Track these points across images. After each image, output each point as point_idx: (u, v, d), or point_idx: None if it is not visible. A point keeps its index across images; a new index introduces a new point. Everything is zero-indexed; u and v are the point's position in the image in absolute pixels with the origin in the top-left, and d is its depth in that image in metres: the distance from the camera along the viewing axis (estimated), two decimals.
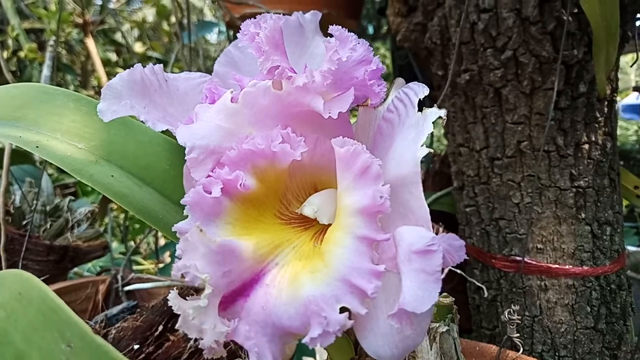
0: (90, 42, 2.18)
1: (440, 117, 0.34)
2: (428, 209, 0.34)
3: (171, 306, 0.30)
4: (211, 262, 0.30)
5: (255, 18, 0.39)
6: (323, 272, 0.32)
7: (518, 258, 0.81)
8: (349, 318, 0.30)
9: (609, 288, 0.80)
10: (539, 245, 0.80)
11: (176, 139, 0.41)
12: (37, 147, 0.41)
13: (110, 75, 2.30)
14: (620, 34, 0.68)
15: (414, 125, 0.36)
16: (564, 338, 0.80)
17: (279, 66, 0.34)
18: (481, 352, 0.73)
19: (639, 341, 0.82)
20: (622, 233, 0.84)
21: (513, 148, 0.77)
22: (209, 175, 0.34)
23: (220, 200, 0.33)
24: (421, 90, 0.37)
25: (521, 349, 0.70)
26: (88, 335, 0.27)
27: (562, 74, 0.72)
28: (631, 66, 0.73)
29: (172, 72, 0.45)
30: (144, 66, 0.38)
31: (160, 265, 1.60)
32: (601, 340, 0.80)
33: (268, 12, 0.93)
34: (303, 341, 0.29)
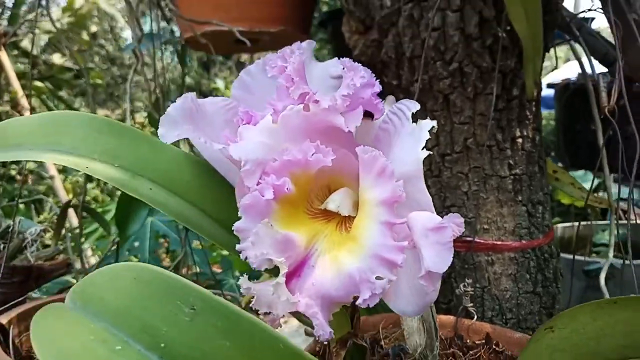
0: (3, 55, 2.09)
1: (433, 127, 0.45)
2: (430, 197, 0.44)
3: None
4: (278, 250, 0.38)
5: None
6: (359, 251, 0.41)
7: (469, 238, 0.94)
8: None
9: (543, 257, 0.95)
10: (485, 226, 0.93)
11: (194, 155, 0.49)
12: (86, 167, 0.47)
13: (25, 88, 2.15)
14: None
15: (411, 134, 0.46)
16: (509, 303, 0.94)
17: (307, 92, 0.43)
18: (442, 323, 0.85)
19: (570, 301, 0.98)
20: (550, 211, 0.99)
21: (461, 145, 0.90)
22: (258, 183, 0.42)
23: (270, 202, 0.42)
24: (413, 105, 0.47)
25: (475, 317, 0.83)
26: (207, 296, 0.35)
27: (499, 81, 0.85)
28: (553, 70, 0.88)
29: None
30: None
31: None
32: (539, 301, 0.95)
33: (230, 30, 1.00)
34: (357, 303, 0.38)
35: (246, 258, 0.40)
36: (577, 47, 1.11)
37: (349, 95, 0.43)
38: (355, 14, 0.91)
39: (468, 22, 0.83)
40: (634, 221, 1.06)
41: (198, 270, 1.44)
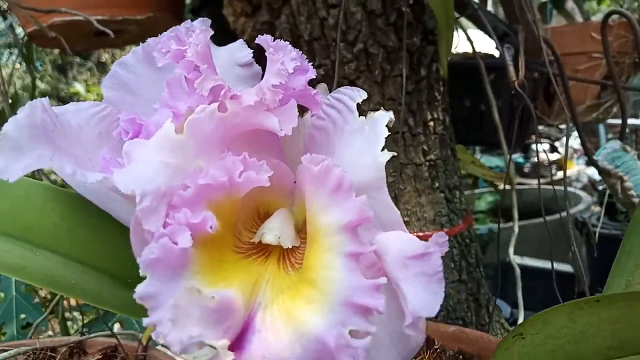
0: None
1: (390, 119, 0.34)
2: (398, 212, 0.34)
3: None
4: (214, 325, 0.25)
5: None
6: (322, 301, 0.29)
7: None
8: None
9: (464, 243, 0.91)
10: (406, 218, 0.87)
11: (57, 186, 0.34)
12: None
13: None
14: None
15: (359, 131, 0.35)
16: None
17: (221, 85, 0.30)
18: None
19: (498, 291, 0.95)
20: (464, 194, 0.96)
21: None
22: (166, 224, 0.28)
23: (187, 251, 0.28)
24: (357, 94, 0.37)
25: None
26: None
27: (406, 61, 0.78)
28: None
29: None
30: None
31: None
32: (465, 289, 0.91)
33: (86, 19, 0.82)
34: None
35: (162, 340, 0.26)
36: (466, 24, 1.09)
37: (281, 85, 0.31)
38: None
39: None
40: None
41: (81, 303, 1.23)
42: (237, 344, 0.29)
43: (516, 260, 1.65)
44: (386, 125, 0.34)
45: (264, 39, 0.33)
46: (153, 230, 0.28)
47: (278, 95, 0.31)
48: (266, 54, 0.32)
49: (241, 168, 0.30)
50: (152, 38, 0.39)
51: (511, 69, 0.79)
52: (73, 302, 1.44)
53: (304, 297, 0.30)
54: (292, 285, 0.32)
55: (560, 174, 3.38)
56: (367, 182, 0.33)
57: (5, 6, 1.01)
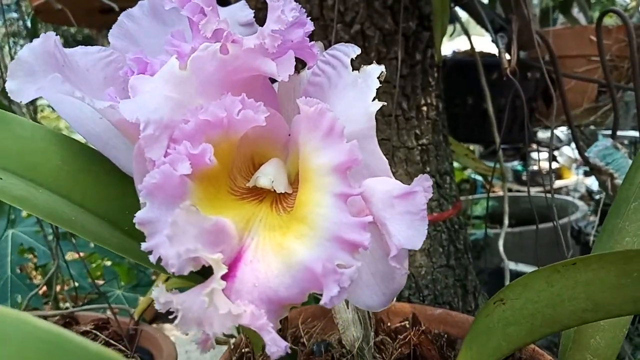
0: None
1: (382, 72, 0.36)
2: (386, 160, 0.36)
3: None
4: (209, 243, 0.27)
5: None
6: (311, 235, 0.31)
7: None
8: None
9: (453, 229, 0.93)
10: None
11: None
12: None
13: None
14: None
15: (351, 85, 0.37)
16: (425, 279, 0.90)
17: (223, 29, 0.32)
18: None
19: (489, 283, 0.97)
20: (455, 180, 0.98)
21: None
22: (167, 154, 0.30)
23: (185, 179, 0.30)
24: (351, 50, 0.38)
25: (394, 299, 0.77)
26: None
27: (402, 45, 0.80)
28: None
29: None
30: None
31: None
32: (453, 274, 0.93)
33: None
34: (321, 303, 0.29)
35: (159, 260, 0.28)
36: (464, 18, 1.11)
37: (280, 32, 0.33)
38: None
39: None
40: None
41: (76, 284, 1.24)
42: (229, 272, 0.30)
43: (511, 266, 1.67)
44: (378, 78, 0.36)
45: None
46: (155, 158, 0.30)
47: (277, 41, 0.33)
48: (267, 1, 0.34)
49: (240, 107, 0.32)
50: None
51: (503, 57, 0.81)
52: (66, 287, 1.45)
53: (294, 232, 0.32)
54: (283, 224, 0.34)
55: (558, 183, 3.41)
56: (359, 131, 0.35)
57: None
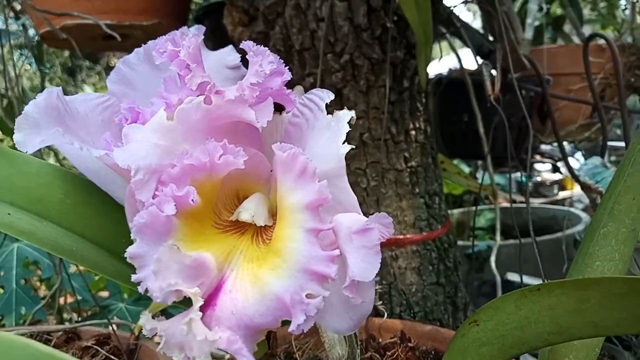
0: None
1: (352, 117, 0.40)
2: (355, 197, 0.39)
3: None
4: (189, 277, 0.31)
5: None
6: (284, 267, 0.35)
7: None
8: None
9: (443, 247, 0.96)
10: None
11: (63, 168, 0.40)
12: None
13: None
14: None
15: (326, 127, 0.41)
16: (415, 297, 0.93)
17: (207, 82, 0.36)
18: None
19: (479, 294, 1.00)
20: (444, 201, 1.01)
21: (357, 140, 0.88)
22: (154, 195, 0.34)
23: (171, 219, 0.34)
24: (326, 95, 0.42)
25: (385, 315, 0.81)
26: None
27: (390, 73, 0.84)
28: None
29: None
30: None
31: None
32: (443, 291, 0.96)
33: (96, 23, 0.88)
34: (290, 330, 0.32)
35: (146, 291, 0.32)
36: (453, 41, 1.15)
37: (258, 84, 0.37)
38: (237, 4, 0.83)
39: (356, 12, 0.80)
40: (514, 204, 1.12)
41: (79, 297, 1.27)
42: (210, 301, 0.34)
43: (513, 278, 1.68)
44: (348, 122, 0.39)
45: (246, 44, 0.39)
46: (144, 200, 0.33)
47: (255, 92, 0.36)
48: (247, 57, 0.38)
49: (221, 152, 0.35)
50: (152, 40, 0.45)
51: (487, 83, 0.84)
52: (69, 299, 1.49)
53: (269, 264, 0.35)
54: (261, 255, 0.37)
55: (562, 194, 3.41)
56: (330, 170, 0.39)
57: (19, 7, 1.07)
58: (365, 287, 0.35)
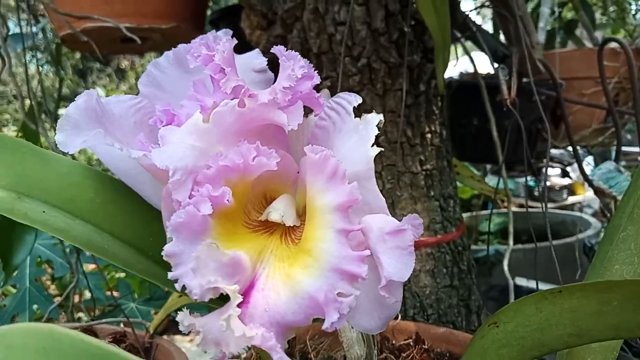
0: None
1: (380, 120, 0.41)
2: (383, 199, 0.40)
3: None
4: (227, 275, 0.32)
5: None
6: (315, 267, 0.35)
7: None
8: None
9: (457, 250, 0.97)
10: None
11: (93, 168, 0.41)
12: None
13: None
14: None
15: (354, 130, 0.42)
16: (429, 299, 0.94)
17: (241, 85, 0.37)
18: None
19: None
20: (459, 204, 1.02)
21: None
22: (191, 195, 0.35)
23: (207, 218, 0.35)
24: (354, 99, 0.43)
25: (399, 317, 0.81)
26: None
27: (407, 77, 0.84)
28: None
29: None
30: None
31: None
32: (456, 294, 0.96)
33: (116, 26, 0.89)
34: (323, 327, 0.33)
35: (183, 288, 0.33)
36: (468, 45, 1.16)
37: (290, 88, 0.37)
38: (256, 8, 0.85)
39: (374, 16, 0.81)
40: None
41: (90, 296, 1.29)
42: (244, 299, 0.35)
43: (523, 283, 1.68)
44: (376, 125, 0.40)
45: (278, 49, 0.40)
46: (181, 200, 0.34)
47: (287, 96, 0.37)
48: (279, 61, 0.38)
49: (254, 154, 0.36)
50: (182, 45, 0.46)
51: (504, 87, 0.85)
52: (77, 299, 1.51)
53: (300, 263, 0.36)
54: (291, 255, 0.38)
55: (571, 199, 3.40)
56: (359, 172, 0.39)
57: (40, 11, 1.09)
58: (396, 287, 0.36)
